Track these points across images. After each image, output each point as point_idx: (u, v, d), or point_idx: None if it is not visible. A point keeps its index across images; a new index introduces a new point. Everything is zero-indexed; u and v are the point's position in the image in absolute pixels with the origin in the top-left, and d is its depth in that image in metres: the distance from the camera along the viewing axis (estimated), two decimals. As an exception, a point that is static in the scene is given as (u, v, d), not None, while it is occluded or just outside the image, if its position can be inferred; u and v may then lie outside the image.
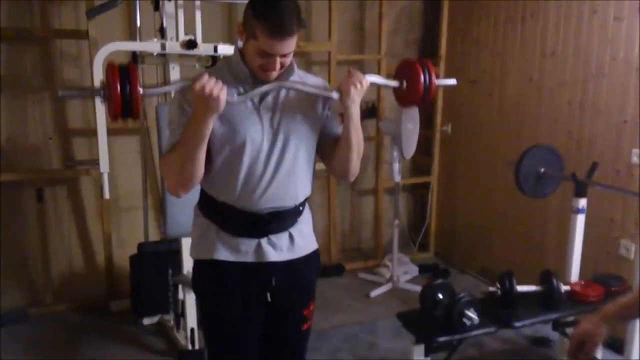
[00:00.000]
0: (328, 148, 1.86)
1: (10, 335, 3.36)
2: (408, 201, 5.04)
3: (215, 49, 3.02)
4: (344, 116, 1.78)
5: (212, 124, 1.63)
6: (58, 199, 3.79)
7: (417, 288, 3.96)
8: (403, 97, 1.89)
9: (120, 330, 3.44)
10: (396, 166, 4.13)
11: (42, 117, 3.71)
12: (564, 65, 3.56)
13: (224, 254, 1.80)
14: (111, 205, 3.73)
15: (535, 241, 3.83)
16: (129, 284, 3.50)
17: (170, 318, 3.37)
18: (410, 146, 4.02)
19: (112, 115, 1.57)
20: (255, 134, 1.71)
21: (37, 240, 3.70)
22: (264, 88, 1.70)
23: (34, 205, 3.65)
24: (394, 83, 1.89)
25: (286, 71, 1.74)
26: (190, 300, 3.05)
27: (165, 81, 3.22)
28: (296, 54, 1.71)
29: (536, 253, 3.83)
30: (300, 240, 1.88)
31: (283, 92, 1.76)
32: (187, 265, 3.08)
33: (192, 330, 3.03)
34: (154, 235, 3.83)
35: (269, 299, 1.85)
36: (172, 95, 1.78)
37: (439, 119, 4.65)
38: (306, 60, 4.45)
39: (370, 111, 4.61)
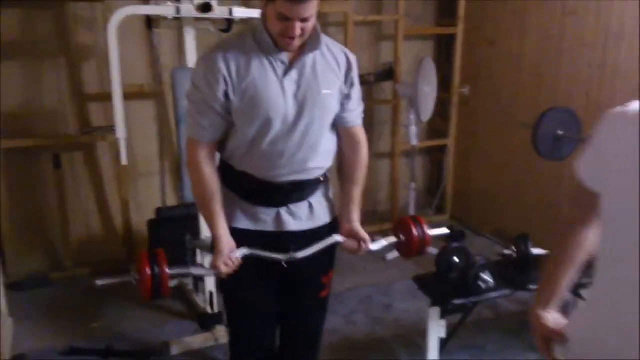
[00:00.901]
0: (340, 133, 1.88)
1: (33, 299, 3.45)
2: (425, 164, 5.02)
3: (231, 12, 2.98)
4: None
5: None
6: (75, 164, 3.83)
7: (433, 250, 4.00)
8: (403, 250, 2.06)
9: (139, 294, 3.50)
10: (413, 129, 4.11)
11: (57, 82, 3.72)
12: (584, 25, 3.48)
13: (243, 223, 1.83)
14: (128, 171, 3.75)
15: (550, 204, 3.81)
16: (148, 246, 3.55)
17: (189, 281, 3.42)
18: (427, 109, 3.99)
19: (145, 297, 1.73)
20: (279, 108, 1.69)
21: (56, 206, 3.75)
22: (273, 256, 1.80)
23: (52, 170, 3.69)
24: (392, 240, 2.04)
25: (312, 41, 1.70)
26: (208, 264, 3.09)
27: (180, 47, 3.19)
28: None
29: (551, 216, 3.81)
30: (320, 210, 1.89)
31: (308, 65, 1.72)
32: (206, 229, 3.09)
33: (210, 293, 3.08)
34: (171, 200, 3.87)
35: (285, 264, 1.85)
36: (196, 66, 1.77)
37: (456, 80, 4.59)
38: (322, 22, 4.38)
39: (386, 73, 4.56)
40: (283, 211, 1.82)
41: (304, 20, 1.59)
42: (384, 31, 4.61)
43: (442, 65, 4.69)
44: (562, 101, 3.59)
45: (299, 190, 1.82)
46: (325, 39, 1.77)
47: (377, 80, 4.58)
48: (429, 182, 5.06)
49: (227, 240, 1.76)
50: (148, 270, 1.66)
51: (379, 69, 4.61)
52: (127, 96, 3.52)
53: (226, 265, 1.73)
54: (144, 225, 3.58)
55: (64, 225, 3.78)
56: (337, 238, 1.87)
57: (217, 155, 1.85)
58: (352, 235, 1.88)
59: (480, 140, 4.51)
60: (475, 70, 4.46)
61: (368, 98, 4.62)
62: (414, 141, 4.12)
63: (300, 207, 1.84)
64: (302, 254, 1.80)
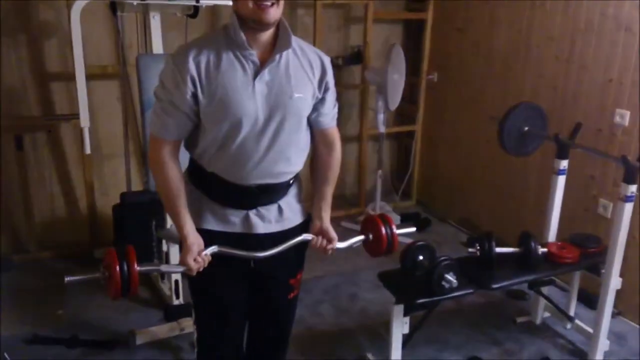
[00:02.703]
0: (314, 135, 1.88)
1: (-4, 283, 3.39)
2: (392, 149, 5.05)
3: (197, -1, 2.92)
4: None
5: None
6: (38, 146, 3.74)
7: (399, 238, 4.06)
8: (371, 249, 2.06)
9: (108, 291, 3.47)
10: (381, 117, 4.12)
11: (18, 61, 3.60)
12: (552, 18, 3.50)
13: (211, 224, 1.81)
14: (93, 153, 3.68)
15: (515, 195, 3.90)
16: (113, 232, 3.52)
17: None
18: (396, 97, 4.00)
19: (113, 295, 1.64)
20: (249, 110, 1.66)
21: (19, 188, 3.68)
22: (249, 255, 1.79)
23: (14, 152, 3.60)
24: (360, 238, 2.03)
25: (282, 38, 1.69)
26: (174, 253, 3.08)
27: (146, 31, 3.12)
28: None
29: (515, 206, 3.90)
30: (289, 212, 1.88)
31: (281, 66, 1.70)
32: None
33: (176, 282, 3.07)
34: (136, 183, 3.81)
35: (252, 265, 1.86)
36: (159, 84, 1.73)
37: (425, 66, 4.60)
38: (291, 4, 4.32)
39: (355, 56, 4.54)
40: (252, 213, 1.81)
41: None
42: (353, 14, 4.57)
43: (411, 50, 4.69)
44: (530, 93, 3.64)
45: (268, 193, 1.81)
46: (298, 41, 1.76)
47: (345, 63, 4.56)
48: (396, 167, 5.10)
49: (194, 237, 1.74)
50: (117, 270, 1.60)
51: (348, 52, 4.58)
52: (91, 77, 3.45)
53: (196, 262, 1.72)
54: (109, 208, 3.54)
55: (27, 208, 3.71)
56: (306, 236, 1.88)
57: (187, 154, 1.83)
58: (322, 233, 1.89)
59: (448, 128, 4.55)
60: (444, 58, 4.47)
61: (337, 82, 4.55)
62: (382, 128, 4.14)
63: (270, 210, 1.84)
64: (270, 252, 1.80)
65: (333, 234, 1.89)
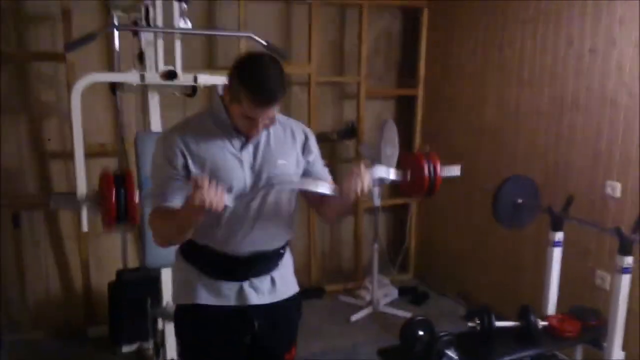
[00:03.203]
0: (313, 195, 1.86)
1: (-15, 363, 3.31)
2: (388, 221, 5.07)
3: (195, 79, 3.00)
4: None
5: None
6: (35, 223, 3.75)
7: (397, 312, 4.05)
8: (408, 189, 1.87)
9: (98, 358, 3.42)
10: (375, 190, 4.15)
11: (17, 139, 3.66)
12: (540, 94, 3.62)
13: (205, 298, 1.83)
14: (89, 229, 3.68)
15: (512, 267, 3.89)
16: (108, 310, 3.46)
17: (149, 346, 3.34)
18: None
19: (107, 224, 1.55)
20: (237, 180, 1.74)
21: (14, 265, 3.66)
22: (260, 192, 1.74)
23: (10, 229, 3.60)
24: (398, 176, 1.83)
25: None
26: (169, 330, 3.03)
27: (144, 110, 3.19)
28: None
29: (513, 278, 3.88)
30: (282, 284, 1.91)
31: (263, 138, 1.79)
32: (167, 295, 3.06)
33: (171, 361, 3.01)
34: (132, 259, 3.79)
35: (249, 341, 1.87)
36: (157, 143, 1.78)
37: (417, 140, 4.69)
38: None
39: (349, 131, 4.64)
40: (245, 285, 1.83)
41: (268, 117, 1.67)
42: (346, 90, 4.70)
43: (404, 123, 4.79)
44: (522, 167, 3.70)
45: (260, 263, 1.84)
46: (282, 117, 1.85)
47: (340, 138, 4.65)
48: (393, 240, 5.09)
49: None
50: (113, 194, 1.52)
51: (342, 127, 4.69)
52: (90, 154, 3.48)
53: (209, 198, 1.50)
54: (104, 285, 3.48)
55: (21, 286, 3.68)
56: (333, 189, 1.70)
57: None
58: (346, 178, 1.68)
59: (442, 202, 4.57)
60: (435, 131, 4.57)
61: (331, 156, 4.68)
62: (377, 202, 4.17)
63: (262, 281, 1.86)
64: (296, 184, 1.75)
65: (360, 167, 1.65)
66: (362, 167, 1.65)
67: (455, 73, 4.34)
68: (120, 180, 1.55)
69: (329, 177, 1.94)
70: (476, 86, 4.14)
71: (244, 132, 1.72)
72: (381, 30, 4.73)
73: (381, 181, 1.70)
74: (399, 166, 1.86)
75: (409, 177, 1.80)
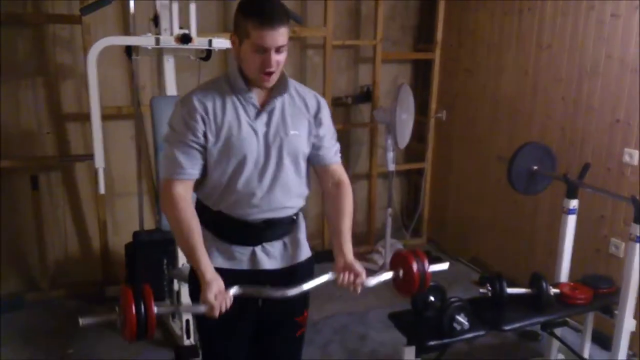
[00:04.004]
0: (320, 173, 1.94)
1: (8, 323, 3.40)
2: (401, 186, 5.07)
3: (210, 43, 3.00)
4: None
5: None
6: (53, 185, 3.80)
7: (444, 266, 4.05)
8: (401, 286, 1.96)
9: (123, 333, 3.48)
10: (390, 155, 4.15)
11: (35, 103, 3.69)
12: (559, 61, 3.56)
13: (219, 261, 1.85)
14: (106, 191, 3.73)
15: (526, 233, 3.89)
16: (125, 270, 3.53)
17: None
18: (405, 136, 4.04)
19: (129, 338, 1.59)
20: (252, 149, 1.76)
21: (33, 227, 3.72)
22: (266, 294, 1.79)
23: (29, 192, 3.66)
24: (389, 275, 1.93)
25: (280, 85, 1.80)
26: (185, 292, 3.10)
27: (160, 73, 3.20)
28: (291, 38, 1.74)
29: (526, 245, 3.89)
30: (294, 249, 1.93)
31: (277, 107, 1.80)
32: (183, 257, 3.11)
33: (187, 321, 3.08)
34: (149, 221, 3.85)
35: (260, 304, 1.89)
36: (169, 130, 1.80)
37: (433, 105, 4.65)
38: (301, 45, 4.42)
39: (364, 95, 4.61)
40: (258, 250, 1.86)
41: (278, 50, 1.68)
42: (362, 54, 4.65)
43: (420, 88, 4.76)
44: (538, 134, 3.67)
45: (273, 229, 1.86)
46: (294, 83, 1.88)
47: (355, 102, 4.62)
48: (406, 205, 5.11)
49: (212, 274, 1.73)
50: (134, 312, 1.55)
51: (357, 91, 4.65)
52: (106, 117, 3.52)
53: (217, 300, 1.67)
54: (121, 247, 3.55)
55: (40, 247, 3.74)
56: (331, 275, 1.83)
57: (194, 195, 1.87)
58: (347, 268, 1.83)
59: (457, 166, 4.57)
60: (451, 97, 4.53)
61: (346, 120, 4.66)
62: (391, 166, 4.17)
63: (275, 246, 1.89)
64: (294, 291, 1.77)
65: (359, 267, 1.82)
66: (360, 269, 1.80)
67: (473, 38, 4.27)
68: (139, 296, 1.60)
69: (337, 155, 1.95)
70: (493, 51, 4.08)
71: (261, 82, 1.73)
72: (399, -6, 4.66)
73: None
74: (391, 266, 1.98)
75: (400, 275, 1.91)
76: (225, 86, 1.79)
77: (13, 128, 3.64)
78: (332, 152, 1.94)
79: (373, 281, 1.86)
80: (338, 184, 1.95)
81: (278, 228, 1.88)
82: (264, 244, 1.86)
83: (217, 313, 1.67)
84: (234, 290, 1.71)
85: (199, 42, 2.98)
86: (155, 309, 1.58)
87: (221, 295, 1.67)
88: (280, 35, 1.66)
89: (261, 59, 1.67)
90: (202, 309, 1.68)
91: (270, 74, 1.71)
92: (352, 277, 1.80)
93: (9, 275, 3.73)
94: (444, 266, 2.01)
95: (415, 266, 1.87)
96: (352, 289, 1.80)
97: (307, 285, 1.80)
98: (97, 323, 1.61)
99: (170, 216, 1.78)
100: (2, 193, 3.64)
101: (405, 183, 5.10)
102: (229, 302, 1.69)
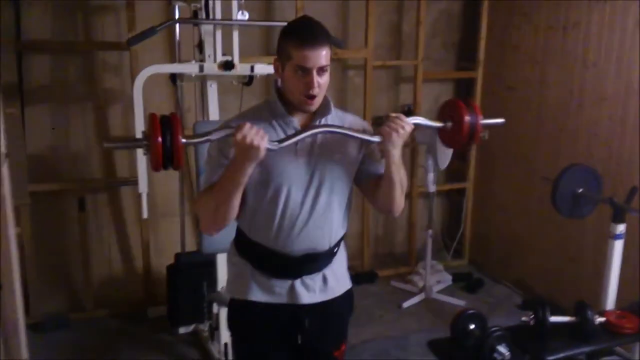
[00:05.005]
0: (370, 186, 1.88)
1: (53, 341, 3.49)
2: (443, 206, 5.01)
3: (252, 69, 3.05)
4: (385, 157, 1.77)
5: (251, 171, 1.66)
6: (99, 206, 3.90)
7: (450, 299, 4.02)
8: (448, 138, 1.86)
9: (156, 338, 3.55)
10: (430, 176, 4.10)
11: (84, 126, 3.81)
12: (605, 78, 3.47)
13: (257, 295, 1.84)
14: (149, 212, 3.81)
15: (572, 255, 3.78)
16: (166, 292, 3.60)
17: (205, 328, 3.45)
18: (445, 157, 3.99)
19: (154, 166, 1.58)
20: (293, 176, 1.74)
21: (78, 248, 3.82)
22: (304, 135, 1.71)
23: (76, 213, 3.76)
24: (438, 124, 1.85)
25: (324, 107, 1.78)
26: (224, 315, 3.12)
27: (203, 98, 3.26)
28: (332, 60, 1.74)
29: (572, 269, 3.78)
30: (334, 282, 1.90)
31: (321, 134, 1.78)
32: (222, 280, 3.15)
33: (225, 345, 3.10)
34: (190, 243, 3.91)
35: (299, 340, 1.87)
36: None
37: (475, 125, 4.59)
38: (343, 66, 4.44)
39: (405, 115, 4.56)
40: (297, 283, 1.84)
41: (320, 70, 1.67)
42: (403, 74, 4.64)
43: (462, 108, 4.70)
44: (583, 154, 3.58)
45: (312, 262, 1.84)
46: (339, 110, 1.85)
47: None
48: (448, 225, 5.04)
49: None
50: (159, 140, 1.52)
51: (398, 111, 4.63)
52: (150, 141, 3.60)
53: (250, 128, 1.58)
54: (163, 268, 3.62)
55: (85, 267, 3.84)
56: (375, 139, 1.75)
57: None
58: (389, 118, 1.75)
59: (499, 186, 4.49)
60: (494, 115, 4.41)
61: (387, 141, 4.63)
62: (432, 188, 4.12)
63: (314, 279, 1.86)
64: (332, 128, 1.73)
65: (400, 117, 1.74)
66: (400, 115, 1.73)
67: (516, 56, 4.21)
68: (166, 124, 1.58)
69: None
70: (537, 69, 4.01)
71: (304, 105, 1.71)
72: (440, 12, 4.63)
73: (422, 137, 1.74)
74: (439, 116, 1.85)
75: (449, 126, 1.79)
76: (265, 112, 1.78)
77: (62, 151, 3.76)
78: (382, 165, 1.87)
79: (418, 120, 1.78)
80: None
81: (318, 261, 1.85)
82: (304, 277, 1.84)
83: (242, 135, 1.56)
84: (268, 143, 1.62)
85: (241, 69, 3.04)
86: (182, 140, 1.57)
87: (255, 129, 1.58)
88: (322, 56, 1.66)
89: (304, 81, 1.66)
90: (229, 131, 1.62)
91: (313, 97, 1.69)
92: (394, 124, 1.72)
93: (55, 294, 3.83)
94: (499, 120, 1.90)
95: (466, 117, 1.75)
96: (396, 132, 1.71)
97: (350, 131, 1.73)
98: (121, 147, 1.58)
99: (201, 204, 1.77)
100: (50, 214, 3.76)
101: (446, 203, 5.04)
102: (260, 139, 1.58)
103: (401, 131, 1.71)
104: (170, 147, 1.56)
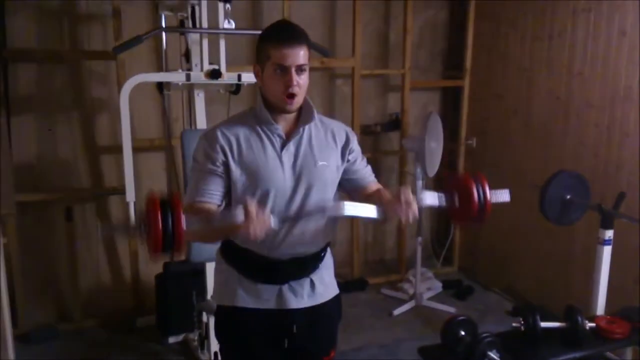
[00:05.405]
0: (357, 195, 1.88)
1: (41, 352, 3.45)
2: (432, 214, 5.02)
3: (239, 78, 3.05)
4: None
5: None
6: (87, 216, 3.87)
7: (441, 306, 4.02)
8: (455, 212, 1.75)
9: (146, 347, 3.52)
10: (419, 183, 4.11)
11: (71, 136, 3.79)
12: (591, 86, 3.51)
13: (245, 301, 1.84)
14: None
15: (562, 261, 3.80)
16: (155, 301, 3.57)
17: (195, 337, 3.42)
18: (434, 164, 4.01)
19: (152, 252, 1.50)
20: (278, 181, 1.74)
21: (66, 257, 3.78)
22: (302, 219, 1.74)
23: (63, 222, 3.73)
24: (446, 202, 1.73)
25: (305, 113, 1.79)
26: (213, 324, 3.09)
27: (191, 107, 3.25)
28: (320, 69, 1.75)
29: (562, 275, 3.80)
30: (321, 287, 1.90)
31: (305, 138, 1.79)
32: (211, 288, 3.09)
33: (215, 354, 3.08)
34: (179, 252, 3.88)
35: (287, 345, 1.87)
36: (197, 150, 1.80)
37: (463, 132, 4.62)
38: (330, 74, 4.45)
39: (393, 123, 4.61)
40: (285, 288, 1.84)
41: (299, 69, 1.68)
42: (390, 82, 4.67)
43: (449, 115, 4.73)
44: (571, 161, 3.60)
45: (300, 266, 1.84)
46: (322, 117, 1.86)
47: (383, 130, 4.63)
48: (437, 233, 5.05)
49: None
50: (160, 225, 1.42)
51: (386, 119, 4.66)
52: (139, 149, 3.60)
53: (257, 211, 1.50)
54: (152, 276, 3.59)
55: (73, 277, 3.80)
56: (377, 211, 1.65)
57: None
58: (397, 198, 1.63)
59: (487, 193, 4.50)
60: (482, 123, 4.49)
61: (375, 148, 4.66)
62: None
63: (302, 284, 1.86)
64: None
65: (408, 194, 1.62)
66: (410, 194, 1.62)
67: (503, 64, 4.24)
68: (167, 207, 1.46)
69: (371, 176, 1.94)
70: (524, 78, 4.04)
71: (284, 105, 1.71)
72: (427, 21, 4.67)
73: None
74: (445, 189, 1.76)
75: (457, 202, 1.71)
76: (250, 119, 1.79)
77: (49, 160, 3.73)
78: (366, 171, 1.92)
79: (428, 199, 1.67)
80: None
81: (305, 265, 1.85)
82: (291, 282, 1.84)
83: (252, 225, 1.49)
84: (274, 221, 1.56)
85: (228, 77, 3.04)
86: (184, 224, 1.47)
87: (261, 212, 1.52)
88: (300, 55, 1.67)
89: (283, 80, 1.67)
90: (239, 217, 1.49)
91: (293, 95, 1.69)
92: (404, 206, 1.61)
93: (43, 305, 3.79)
94: (505, 196, 1.78)
95: (475, 191, 1.67)
96: (404, 218, 1.62)
97: (350, 210, 1.62)
98: (117, 233, 1.56)
99: (189, 223, 1.62)
100: (37, 224, 3.72)
101: (435, 211, 5.04)
102: (263, 228, 1.51)
103: (409, 218, 1.63)
104: (172, 234, 1.46)
